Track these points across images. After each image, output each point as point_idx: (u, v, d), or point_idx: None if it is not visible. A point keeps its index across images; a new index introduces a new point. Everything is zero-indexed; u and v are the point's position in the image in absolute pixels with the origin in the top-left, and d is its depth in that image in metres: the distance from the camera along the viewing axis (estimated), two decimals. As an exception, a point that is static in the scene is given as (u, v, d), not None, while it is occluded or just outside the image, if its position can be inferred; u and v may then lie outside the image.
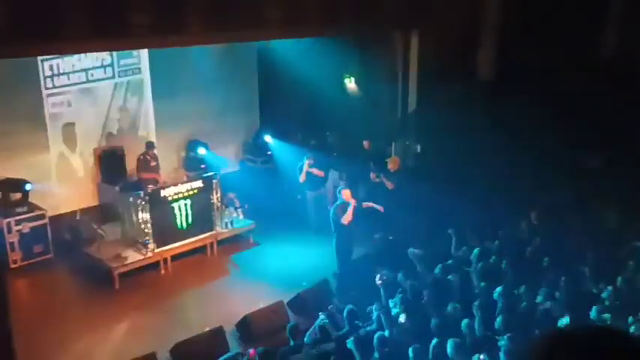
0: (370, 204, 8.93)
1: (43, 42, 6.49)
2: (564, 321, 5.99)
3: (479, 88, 10.28)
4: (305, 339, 6.60)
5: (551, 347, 0.85)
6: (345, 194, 8.52)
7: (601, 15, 9.83)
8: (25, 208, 9.23)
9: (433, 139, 10.06)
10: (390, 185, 9.72)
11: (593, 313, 6.29)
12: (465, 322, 6.17)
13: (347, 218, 8.38)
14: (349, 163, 10.81)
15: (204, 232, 9.53)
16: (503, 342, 5.83)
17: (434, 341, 5.80)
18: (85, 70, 10.53)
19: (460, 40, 10.00)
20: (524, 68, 9.56)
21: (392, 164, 10.07)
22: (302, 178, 10.29)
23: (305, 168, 10.24)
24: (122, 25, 6.69)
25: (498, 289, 6.79)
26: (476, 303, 6.52)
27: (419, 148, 10.47)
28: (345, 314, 6.74)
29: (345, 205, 8.44)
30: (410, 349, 5.73)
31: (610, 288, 6.66)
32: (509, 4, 10.24)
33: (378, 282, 7.20)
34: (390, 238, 9.44)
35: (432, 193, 8.80)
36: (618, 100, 8.96)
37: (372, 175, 10.04)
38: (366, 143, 11.03)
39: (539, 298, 6.66)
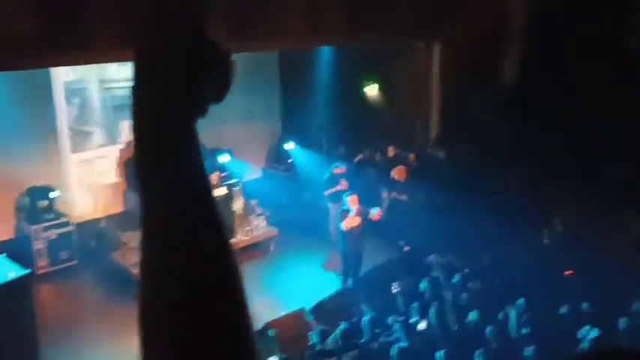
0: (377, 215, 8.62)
1: (71, 52, 6.62)
2: (588, 331, 5.89)
3: (503, 96, 10.20)
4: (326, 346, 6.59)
5: None
6: (351, 200, 8.45)
7: (628, 19, 9.69)
8: (51, 215, 9.39)
9: (456, 146, 10.00)
10: (404, 198, 9.63)
11: (622, 324, 6.18)
12: (488, 329, 6.11)
13: (347, 224, 8.34)
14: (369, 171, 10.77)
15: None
16: (528, 353, 5.77)
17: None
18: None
19: (484, 47, 9.94)
20: (550, 75, 9.46)
21: (397, 174, 9.89)
22: (329, 191, 9.78)
23: (335, 171, 9.92)
24: (147, 35, 6.78)
25: (520, 300, 6.71)
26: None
27: (442, 155, 10.41)
28: (365, 323, 6.71)
29: (347, 212, 8.40)
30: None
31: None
32: (533, 10, 10.15)
33: (394, 290, 7.15)
34: (407, 248, 9.39)
35: (455, 200, 8.75)
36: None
37: (385, 194, 9.92)
38: (390, 150, 10.97)
39: (562, 309, 6.56)
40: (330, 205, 10.10)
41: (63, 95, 10.23)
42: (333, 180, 9.91)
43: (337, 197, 9.94)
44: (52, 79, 9.90)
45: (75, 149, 10.53)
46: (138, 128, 0.77)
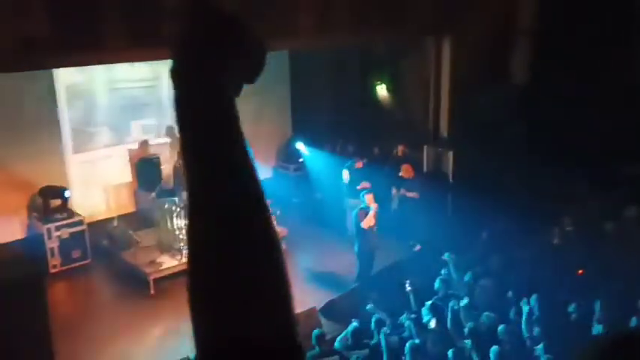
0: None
1: (83, 52, 6.67)
2: (599, 330, 5.87)
3: (513, 93, 10.15)
4: (335, 344, 6.60)
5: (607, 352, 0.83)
6: (368, 198, 8.49)
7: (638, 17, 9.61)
8: (64, 215, 9.48)
9: (466, 144, 9.97)
10: (412, 195, 9.64)
11: (633, 323, 6.14)
12: (501, 328, 6.09)
13: (367, 222, 8.36)
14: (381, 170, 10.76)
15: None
16: (539, 351, 5.76)
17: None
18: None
19: (494, 44, 9.90)
20: (560, 72, 9.40)
21: (404, 173, 9.94)
22: (361, 186, 9.79)
23: (357, 165, 10.06)
24: (159, 35, 6.82)
25: (534, 297, 6.69)
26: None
27: (451, 154, 10.38)
28: (372, 323, 6.71)
29: (366, 210, 8.43)
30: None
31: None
32: (543, 7, 10.10)
33: (408, 288, 7.16)
34: (416, 248, 9.38)
35: (465, 198, 8.73)
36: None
37: (394, 191, 9.96)
38: (400, 148, 10.96)
39: (573, 308, 6.53)
40: (351, 201, 9.99)
41: (64, 97, 10.30)
42: (357, 174, 9.95)
43: (357, 192, 9.92)
44: (55, 81, 9.98)
45: (77, 150, 10.60)
46: (180, 113, 0.80)
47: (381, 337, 6.31)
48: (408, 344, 6.01)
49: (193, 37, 0.81)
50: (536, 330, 6.24)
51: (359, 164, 10.29)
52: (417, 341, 6.13)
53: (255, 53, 0.84)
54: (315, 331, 6.74)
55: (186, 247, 0.81)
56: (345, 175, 10.13)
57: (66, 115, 10.35)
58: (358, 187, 9.75)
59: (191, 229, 0.80)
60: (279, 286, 0.80)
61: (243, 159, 0.81)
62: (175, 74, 0.80)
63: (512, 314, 6.65)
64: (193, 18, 0.82)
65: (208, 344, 0.78)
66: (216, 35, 0.80)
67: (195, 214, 0.80)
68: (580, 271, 7.51)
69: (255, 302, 0.78)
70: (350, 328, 6.75)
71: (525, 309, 6.44)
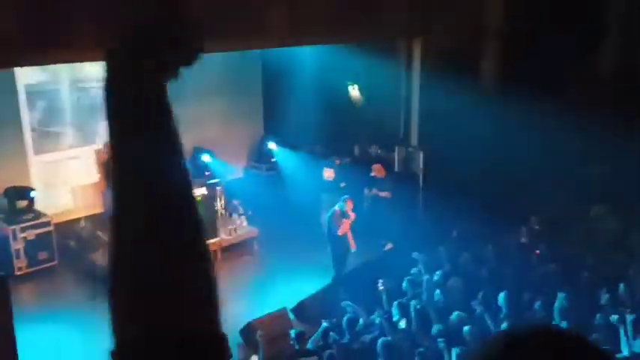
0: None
1: (48, 51, 6.55)
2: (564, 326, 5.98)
3: (482, 95, 10.29)
4: (308, 345, 6.60)
5: (498, 350, 0.82)
6: (349, 205, 8.56)
7: (603, 20, 9.85)
8: (30, 215, 9.28)
9: (436, 145, 10.08)
10: (384, 194, 9.73)
11: (598, 319, 6.28)
12: (466, 328, 6.17)
13: (343, 230, 8.43)
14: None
15: (208, 239, 9.49)
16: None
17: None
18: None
19: (464, 47, 10.01)
20: (528, 76, 9.57)
21: (376, 172, 10.05)
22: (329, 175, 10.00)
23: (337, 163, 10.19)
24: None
25: (502, 294, 6.79)
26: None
27: (422, 154, 10.48)
28: (344, 322, 6.74)
29: (342, 215, 8.47)
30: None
31: (607, 295, 6.64)
32: (513, 12, 10.26)
33: (380, 288, 7.21)
34: (388, 247, 9.45)
35: (435, 198, 8.82)
36: (621, 110, 8.97)
37: (366, 191, 10.05)
38: (373, 149, 11.01)
39: (537, 304, 6.65)
40: (323, 194, 10.02)
41: (24, 98, 10.05)
42: (339, 172, 10.06)
43: (331, 188, 9.98)
44: (15, 80, 9.72)
45: (39, 151, 10.33)
46: (110, 98, 0.80)
47: (331, 342, 6.34)
48: (379, 342, 6.05)
49: (138, 23, 0.82)
50: (504, 327, 6.33)
51: (338, 162, 10.36)
52: (388, 338, 6.17)
53: (194, 40, 0.84)
54: (295, 330, 6.74)
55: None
56: (328, 173, 10.08)
57: (26, 115, 10.09)
58: (342, 185, 9.81)
59: (117, 226, 0.80)
60: (205, 279, 0.84)
61: (177, 153, 0.82)
62: (113, 60, 0.80)
63: (480, 312, 6.73)
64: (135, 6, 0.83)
65: (127, 338, 0.79)
66: (159, 21, 0.81)
67: (121, 209, 0.80)
68: (544, 267, 7.66)
69: (180, 294, 0.80)
70: (321, 328, 6.76)
71: (493, 307, 6.54)
